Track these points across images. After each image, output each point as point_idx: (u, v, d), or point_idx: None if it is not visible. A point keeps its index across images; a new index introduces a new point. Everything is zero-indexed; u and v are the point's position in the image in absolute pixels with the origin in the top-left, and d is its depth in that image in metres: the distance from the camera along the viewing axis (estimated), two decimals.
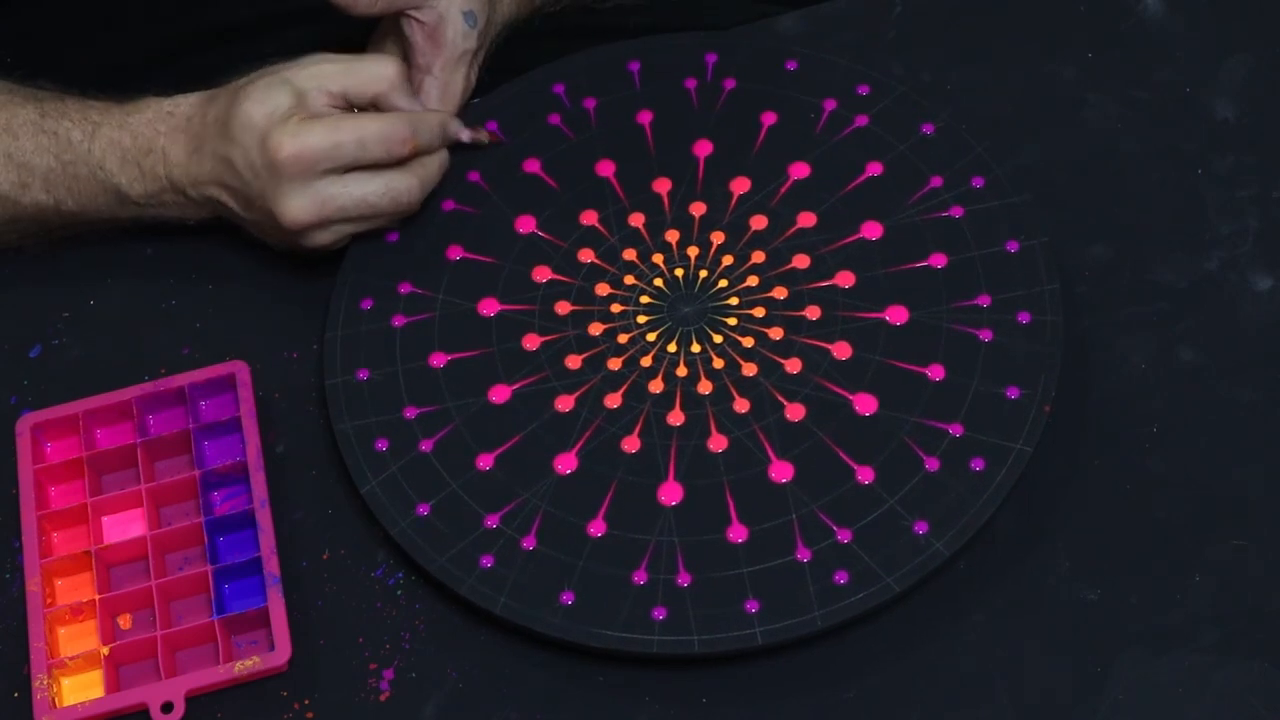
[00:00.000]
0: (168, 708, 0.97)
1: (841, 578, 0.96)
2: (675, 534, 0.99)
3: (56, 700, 0.98)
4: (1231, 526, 0.99)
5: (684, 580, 0.97)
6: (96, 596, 1.00)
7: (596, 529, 0.99)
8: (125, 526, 1.04)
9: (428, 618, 1.00)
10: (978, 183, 1.08)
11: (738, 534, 0.98)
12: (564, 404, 1.03)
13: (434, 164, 1.09)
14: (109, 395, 1.06)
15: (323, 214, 1.05)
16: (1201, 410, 1.03)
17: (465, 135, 1.11)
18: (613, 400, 1.03)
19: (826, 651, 0.97)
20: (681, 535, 0.99)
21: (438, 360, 1.05)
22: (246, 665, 0.98)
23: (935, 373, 1.02)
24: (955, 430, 1.00)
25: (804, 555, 0.97)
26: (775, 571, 0.97)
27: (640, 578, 0.98)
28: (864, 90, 1.13)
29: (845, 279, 1.06)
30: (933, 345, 1.03)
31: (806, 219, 1.09)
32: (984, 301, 1.03)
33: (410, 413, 1.03)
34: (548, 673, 0.98)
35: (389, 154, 1.05)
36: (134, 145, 1.08)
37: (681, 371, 1.04)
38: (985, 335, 1.02)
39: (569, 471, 1.01)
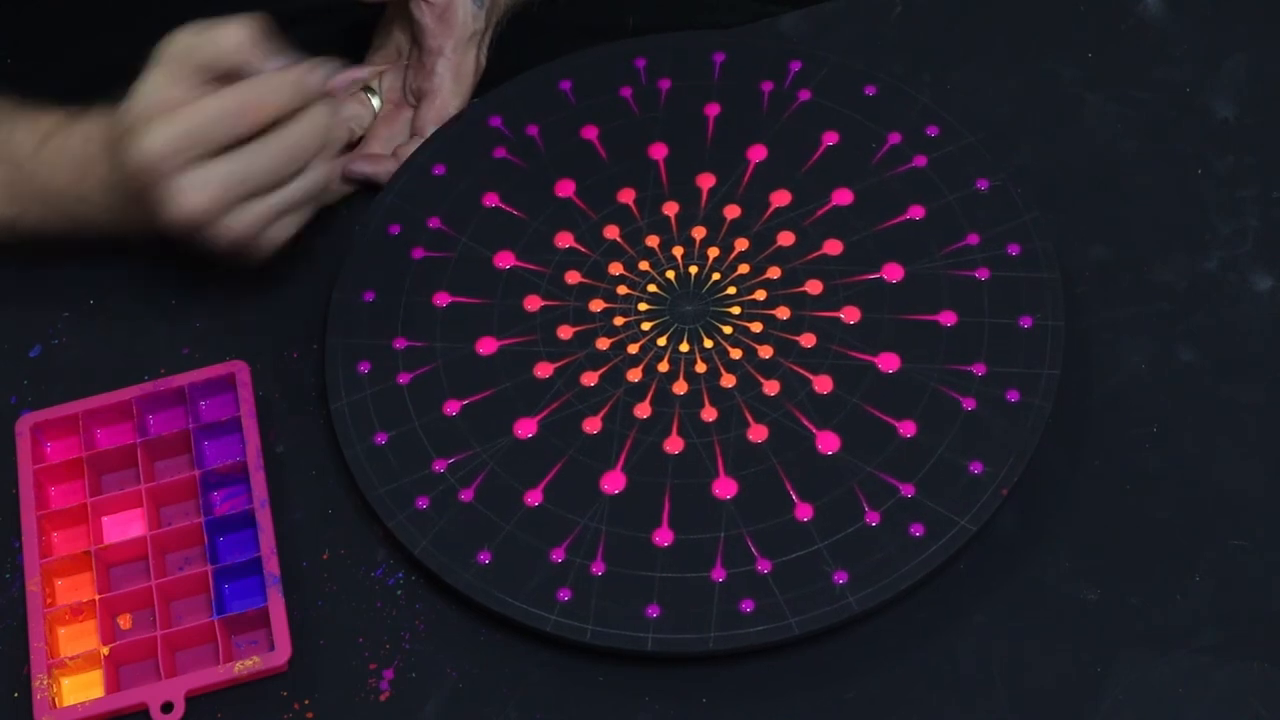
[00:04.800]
0: (168, 708, 0.97)
1: (747, 606, 0.96)
2: (605, 523, 1.00)
3: (56, 700, 0.98)
4: (1231, 526, 0.99)
5: (598, 569, 0.98)
6: (96, 596, 1.00)
7: (532, 499, 1.01)
8: (125, 526, 1.04)
9: (428, 618, 1.00)
10: (1013, 250, 1.06)
11: (663, 538, 0.99)
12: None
13: (321, 115, 1.04)
14: (109, 395, 1.07)
15: (215, 200, 1.01)
16: (1201, 410, 1.03)
17: (360, 73, 1.07)
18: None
19: (826, 651, 0.97)
20: (611, 525, 1.00)
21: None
22: (246, 665, 0.98)
23: (906, 428, 1.01)
24: (906, 490, 0.99)
25: (719, 575, 0.97)
26: (687, 583, 0.97)
27: (559, 555, 0.99)
28: (933, 131, 1.11)
29: (851, 314, 1.06)
30: (913, 401, 1.02)
31: (833, 246, 1.08)
32: (979, 370, 1.03)
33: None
34: (548, 672, 0.98)
35: (249, 127, 1.01)
36: (75, 166, 1.05)
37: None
38: (969, 404, 1.01)
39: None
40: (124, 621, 1.01)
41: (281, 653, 0.98)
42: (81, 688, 0.99)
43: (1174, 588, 0.98)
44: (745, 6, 1.26)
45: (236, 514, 1.02)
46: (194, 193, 1.01)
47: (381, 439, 1.04)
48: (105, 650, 0.99)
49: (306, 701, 0.98)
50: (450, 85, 1.13)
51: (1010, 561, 0.99)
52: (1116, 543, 0.99)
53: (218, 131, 1.01)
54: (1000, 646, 0.97)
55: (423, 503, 1.01)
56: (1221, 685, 0.95)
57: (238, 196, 1.02)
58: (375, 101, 1.17)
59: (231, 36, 1.02)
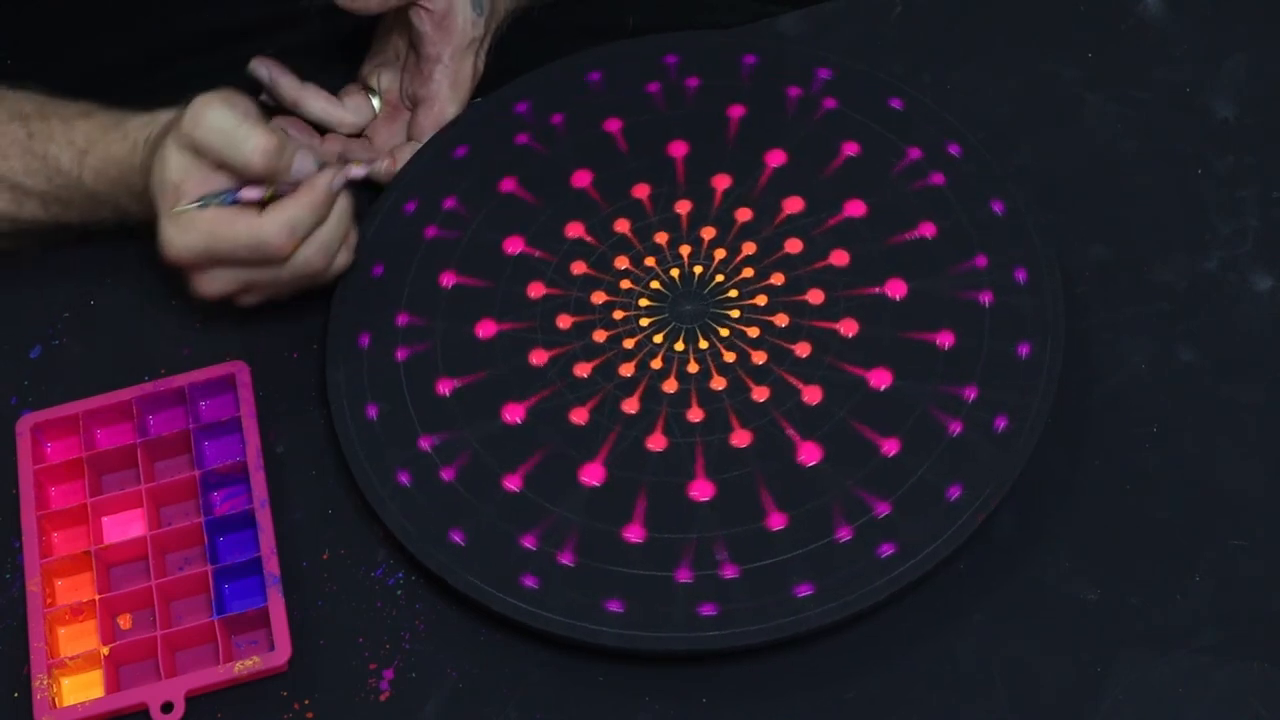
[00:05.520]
0: (168, 708, 0.97)
1: (708, 610, 0.96)
2: (584, 516, 1.00)
3: (56, 700, 0.98)
4: (1231, 526, 0.99)
5: (567, 560, 0.98)
6: (96, 596, 1.00)
7: (511, 484, 1.01)
8: (125, 526, 1.04)
9: (428, 618, 1.00)
10: (1020, 275, 1.05)
11: (634, 535, 0.99)
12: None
13: (343, 212, 1.05)
14: (109, 395, 1.07)
15: (232, 293, 1.05)
16: (1201, 410, 1.03)
17: (359, 171, 1.06)
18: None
19: (826, 651, 0.97)
20: (585, 518, 1.00)
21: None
22: (246, 665, 0.98)
23: (890, 446, 1.00)
24: (882, 509, 0.98)
25: (684, 576, 0.97)
26: (653, 582, 0.97)
27: (530, 542, 0.99)
28: (954, 149, 1.10)
29: (849, 327, 1.05)
30: (900, 419, 1.01)
31: (840, 257, 1.07)
32: (970, 394, 1.02)
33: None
34: (548, 672, 0.98)
35: (278, 258, 1.03)
36: (120, 175, 1.07)
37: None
38: (955, 428, 1.00)
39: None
40: (124, 621, 1.01)
41: (281, 653, 0.98)
42: (81, 688, 0.99)
43: (1174, 588, 0.98)
44: (745, 6, 1.26)
45: (236, 514, 1.02)
46: (213, 285, 1.04)
47: (372, 412, 1.04)
48: (105, 650, 0.99)
49: (306, 701, 0.98)
50: (447, 93, 1.13)
51: (1010, 561, 0.99)
52: (1116, 543, 0.99)
53: (246, 258, 1.03)
54: (1000, 646, 0.97)
55: (404, 478, 1.01)
56: (1221, 685, 0.95)
57: (256, 289, 1.05)
58: (376, 102, 1.17)
59: (258, 149, 1.01)
